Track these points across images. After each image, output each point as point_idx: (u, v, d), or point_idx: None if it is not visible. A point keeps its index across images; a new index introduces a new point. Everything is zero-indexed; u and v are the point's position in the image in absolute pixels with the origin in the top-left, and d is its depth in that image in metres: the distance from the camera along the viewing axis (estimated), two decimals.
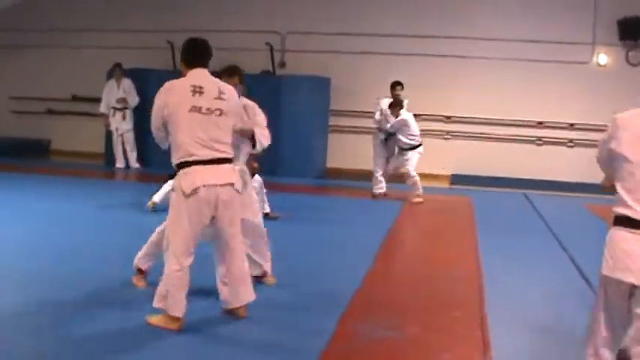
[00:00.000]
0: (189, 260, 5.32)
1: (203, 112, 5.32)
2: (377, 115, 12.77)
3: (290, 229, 9.69)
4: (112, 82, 15.27)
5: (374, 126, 13.05)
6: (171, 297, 5.25)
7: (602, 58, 15.33)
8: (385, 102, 12.75)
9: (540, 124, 15.53)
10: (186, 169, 5.26)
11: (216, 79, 5.61)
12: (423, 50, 15.63)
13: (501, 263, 8.08)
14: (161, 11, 16.66)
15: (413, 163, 12.82)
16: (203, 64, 5.61)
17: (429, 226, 10.41)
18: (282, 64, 16.11)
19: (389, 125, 12.68)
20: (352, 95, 15.65)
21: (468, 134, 15.87)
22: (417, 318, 5.92)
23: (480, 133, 15.79)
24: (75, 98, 17.42)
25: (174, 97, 5.35)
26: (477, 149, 15.78)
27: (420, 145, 12.94)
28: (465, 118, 15.82)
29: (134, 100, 15.03)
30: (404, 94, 12.76)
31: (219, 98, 5.41)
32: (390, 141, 12.94)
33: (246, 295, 5.63)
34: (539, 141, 15.59)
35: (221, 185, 5.32)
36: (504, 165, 15.44)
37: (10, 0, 15.66)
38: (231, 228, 5.47)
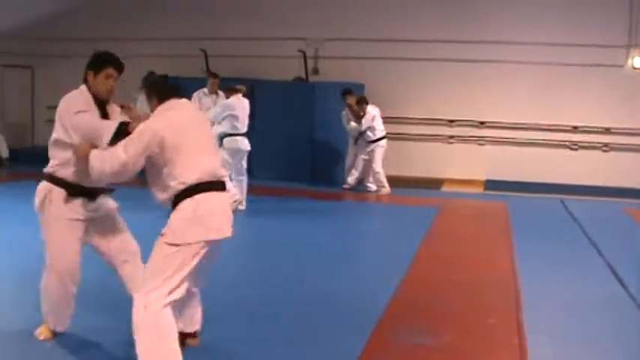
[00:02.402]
0: None
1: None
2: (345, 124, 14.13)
3: (326, 234, 9.73)
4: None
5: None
6: None
7: (637, 61, 15.16)
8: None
9: (575, 129, 15.39)
10: None
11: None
12: (456, 55, 15.57)
13: (537, 270, 8.02)
14: (194, 19, 16.77)
15: (377, 157, 13.72)
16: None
17: (463, 232, 10.34)
18: (315, 71, 16.14)
19: (363, 126, 13.72)
20: (386, 101, 15.63)
21: (502, 139, 15.77)
22: (453, 325, 5.88)
23: (515, 138, 15.69)
24: None
25: None
26: (511, 154, 15.68)
27: (382, 138, 13.79)
28: (499, 123, 15.72)
29: None
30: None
31: None
32: (359, 139, 14.00)
33: None
34: (575, 145, 15.46)
35: None
36: (539, 170, 15.34)
37: (47, 9, 15.80)
38: None
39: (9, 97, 17.60)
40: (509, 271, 7.86)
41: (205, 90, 12.27)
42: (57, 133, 5.14)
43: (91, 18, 17.62)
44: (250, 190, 11.47)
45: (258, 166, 15.02)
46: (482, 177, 15.72)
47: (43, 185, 5.22)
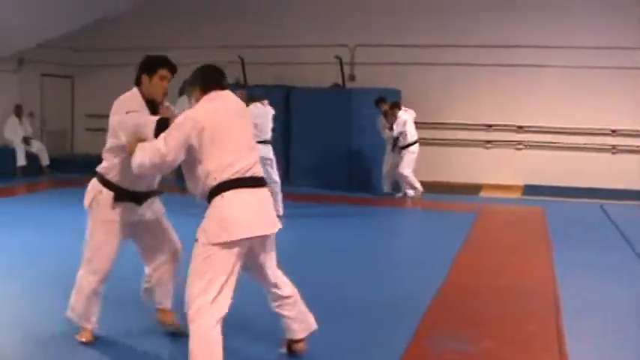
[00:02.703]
0: None
1: None
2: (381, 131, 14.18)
3: (364, 239, 9.73)
4: (184, 98, 15.46)
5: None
6: None
7: None
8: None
9: (614, 132, 15.23)
10: None
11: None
12: (494, 60, 15.51)
13: (577, 276, 7.94)
14: (232, 27, 16.88)
15: (405, 161, 13.66)
16: (135, 83, 5.37)
17: (502, 238, 10.28)
18: (352, 77, 16.15)
19: (395, 131, 13.70)
20: (423, 107, 15.60)
21: (540, 144, 15.67)
22: (493, 331, 5.85)
23: (553, 143, 15.58)
24: None
25: None
26: (549, 159, 15.57)
27: (413, 143, 13.74)
28: (536, 127, 15.63)
29: None
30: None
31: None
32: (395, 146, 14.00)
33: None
34: (614, 149, 15.30)
35: None
36: (578, 174, 15.21)
37: (87, 20, 16.00)
38: None
39: (49, 105, 17.84)
40: (548, 278, 7.80)
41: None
42: (110, 138, 5.21)
43: (129, 28, 17.82)
44: (287, 196, 11.48)
45: (295, 173, 15.08)
46: (521, 182, 15.63)
47: (94, 184, 5.30)
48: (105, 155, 5.28)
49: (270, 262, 4.82)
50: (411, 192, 13.75)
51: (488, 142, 15.94)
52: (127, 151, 4.87)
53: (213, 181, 4.48)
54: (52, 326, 5.64)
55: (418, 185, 13.65)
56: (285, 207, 11.17)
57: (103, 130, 17.98)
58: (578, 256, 8.98)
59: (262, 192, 4.68)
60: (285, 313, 5.00)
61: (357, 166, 14.71)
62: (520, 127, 15.74)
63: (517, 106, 15.66)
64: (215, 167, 4.48)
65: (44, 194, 13.67)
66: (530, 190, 15.09)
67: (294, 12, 16.76)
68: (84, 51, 18.07)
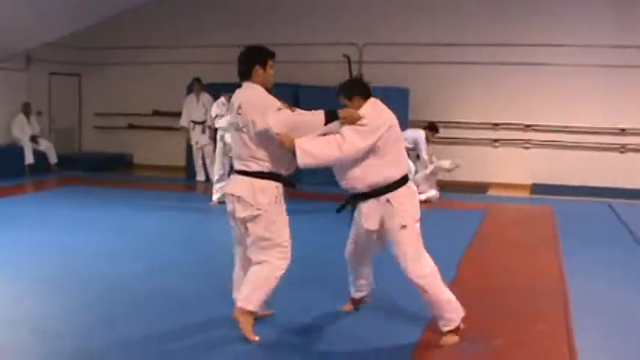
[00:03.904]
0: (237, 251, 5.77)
1: (235, 129, 5.52)
2: None
3: None
4: (192, 97, 15.49)
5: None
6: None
7: None
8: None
9: (623, 131, 15.18)
10: None
11: (245, 92, 5.48)
12: (502, 59, 15.46)
13: (586, 275, 7.92)
14: (239, 26, 16.86)
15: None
16: (241, 77, 5.57)
17: (510, 237, 10.26)
18: (360, 76, 16.08)
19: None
20: (431, 106, 15.57)
21: (548, 143, 15.62)
22: (502, 331, 5.83)
23: (561, 142, 15.53)
24: (155, 113, 17.77)
25: None
26: (557, 158, 15.52)
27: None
28: (545, 126, 15.58)
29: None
30: None
31: (237, 114, 5.45)
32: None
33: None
34: (622, 148, 15.24)
35: (235, 196, 5.47)
36: (586, 173, 15.16)
37: (94, 19, 16.01)
38: (247, 238, 5.54)
39: (57, 104, 17.85)
40: (557, 277, 7.78)
41: (223, 99, 12.06)
42: (259, 137, 5.32)
43: (136, 27, 17.83)
44: (297, 194, 11.44)
45: (304, 171, 15.04)
46: (529, 181, 15.59)
47: (268, 184, 5.41)
48: (258, 153, 5.38)
49: None
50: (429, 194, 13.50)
51: (496, 140, 15.90)
52: (281, 144, 5.20)
53: (398, 175, 5.44)
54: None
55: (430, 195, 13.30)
56: (295, 204, 11.13)
57: (111, 129, 18.06)
58: (587, 255, 8.95)
59: None
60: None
61: None
62: (528, 126, 15.69)
63: (525, 104, 15.61)
64: (399, 162, 5.50)
65: (52, 192, 13.67)
66: (539, 188, 15.06)
67: (302, 10, 16.75)
68: (92, 49, 18.08)
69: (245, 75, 5.47)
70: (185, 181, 15.80)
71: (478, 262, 8.49)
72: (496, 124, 15.83)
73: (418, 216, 5.51)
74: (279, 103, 5.31)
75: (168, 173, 16.68)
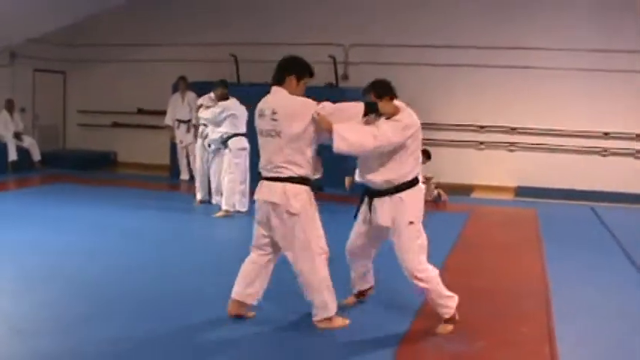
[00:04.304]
0: (257, 257, 5.84)
1: (263, 135, 5.61)
2: None
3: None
4: (177, 95, 15.45)
5: None
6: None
7: None
8: None
9: (606, 135, 15.24)
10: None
11: (281, 97, 5.61)
12: (488, 61, 15.49)
13: (569, 278, 7.95)
14: (224, 25, 16.83)
15: None
16: (275, 83, 5.72)
17: (494, 239, 10.28)
18: (345, 77, 16.09)
19: None
20: (416, 107, 15.46)
21: (533, 145, 15.66)
22: (484, 332, 5.84)
23: (545, 145, 15.57)
24: (140, 111, 17.71)
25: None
26: (542, 161, 15.56)
27: None
28: (530, 129, 15.62)
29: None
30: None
31: (272, 119, 5.52)
32: None
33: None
34: (605, 152, 15.31)
35: (268, 202, 5.58)
36: (570, 177, 15.21)
37: (80, 15, 15.95)
38: (284, 241, 5.66)
39: (41, 101, 17.76)
40: (540, 279, 7.81)
41: (212, 95, 11.98)
42: (295, 142, 5.51)
43: (122, 24, 17.76)
44: None
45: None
46: (513, 183, 15.63)
47: (300, 188, 5.59)
48: (294, 161, 5.54)
49: None
50: None
51: (481, 143, 15.93)
52: (322, 127, 5.45)
53: (411, 176, 5.79)
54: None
55: None
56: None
57: (95, 126, 17.96)
58: (570, 257, 8.99)
59: None
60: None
61: (350, 165, 14.64)
62: (513, 129, 15.72)
63: (510, 107, 15.65)
64: (416, 164, 5.85)
65: (35, 190, 13.62)
66: (523, 191, 15.10)
67: (288, 10, 16.72)
68: (76, 46, 18.00)
69: (279, 81, 5.66)
70: (169, 179, 15.75)
71: (462, 264, 8.49)
72: (482, 127, 15.86)
73: (422, 215, 5.93)
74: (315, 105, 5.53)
75: (153, 172, 16.62)
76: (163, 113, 15.69)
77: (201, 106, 11.79)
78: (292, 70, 5.64)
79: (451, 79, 15.74)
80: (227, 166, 11.12)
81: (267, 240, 5.76)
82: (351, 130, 5.50)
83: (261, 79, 16.01)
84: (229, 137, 11.08)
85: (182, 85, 15.30)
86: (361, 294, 6.44)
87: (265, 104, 5.63)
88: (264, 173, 5.65)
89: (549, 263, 8.57)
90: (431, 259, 8.23)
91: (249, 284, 5.82)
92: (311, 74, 5.73)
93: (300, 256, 5.61)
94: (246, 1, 17.00)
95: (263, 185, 5.66)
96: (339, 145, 5.41)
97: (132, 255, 8.30)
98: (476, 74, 15.65)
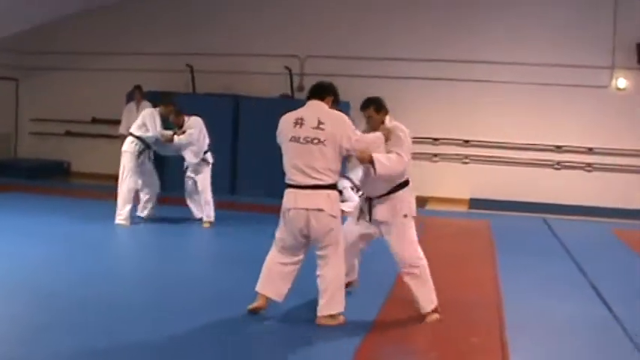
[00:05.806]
0: (289, 260, 6.29)
1: (300, 142, 5.98)
2: None
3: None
4: (132, 105, 15.33)
5: None
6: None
7: (621, 81, 15.29)
8: None
9: (559, 148, 15.46)
10: (287, 190, 6.14)
11: (326, 110, 6.18)
12: (441, 74, 15.63)
13: (521, 288, 8.02)
14: (181, 34, 16.76)
15: None
16: (316, 97, 6.29)
17: (447, 251, 10.30)
18: (301, 88, 16.10)
19: None
20: None
21: (486, 158, 15.82)
22: (437, 344, 5.88)
23: (499, 157, 15.74)
24: (95, 120, 17.54)
25: (282, 127, 6.18)
26: (495, 173, 15.72)
27: None
28: (483, 142, 15.77)
29: None
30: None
31: (317, 128, 5.96)
32: None
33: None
34: (558, 165, 15.52)
35: (311, 210, 5.98)
36: (523, 189, 15.37)
37: (34, 22, 15.77)
38: (322, 238, 6.12)
39: None
40: (492, 290, 7.86)
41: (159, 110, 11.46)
42: (339, 151, 6.10)
43: (75, 32, 17.57)
44: (234, 206, 11.47)
45: (242, 183, 15.05)
46: (467, 195, 15.74)
47: (336, 194, 6.17)
48: (333, 168, 6.09)
49: None
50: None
51: (435, 155, 16.04)
52: (360, 159, 6.29)
53: (404, 179, 6.69)
54: None
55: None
56: (231, 217, 11.17)
57: (48, 135, 17.74)
58: (522, 268, 9.07)
59: None
60: None
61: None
62: (467, 142, 15.87)
63: (464, 120, 15.79)
64: (408, 167, 6.61)
65: None
66: (476, 203, 15.23)
67: (245, 21, 16.69)
68: (29, 54, 17.75)
69: (320, 97, 6.29)
70: None
71: None
72: (436, 139, 15.97)
73: (414, 210, 6.76)
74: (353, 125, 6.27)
75: (106, 182, 16.39)
76: (118, 122, 15.55)
77: (143, 125, 11.08)
78: (332, 93, 6.36)
79: (406, 91, 15.79)
80: (204, 178, 11.15)
81: (301, 244, 6.21)
82: (387, 158, 6.30)
83: (217, 89, 16.09)
84: (205, 152, 11.19)
85: (137, 94, 15.18)
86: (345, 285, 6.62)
87: (306, 114, 6.11)
88: (300, 178, 6.04)
89: (502, 274, 8.63)
90: (384, 271, 8.32)
91: (285, 283, 6.30)
92: (337, 102, 6.45)
93: (333, 251, 6.12)
94: (203, 11, 16.93)
95: (299, 194, 6.04)
96: (381, 171, 6.21)
97: (85, 265, 8.17)
98: (429, 87, 15.77)
